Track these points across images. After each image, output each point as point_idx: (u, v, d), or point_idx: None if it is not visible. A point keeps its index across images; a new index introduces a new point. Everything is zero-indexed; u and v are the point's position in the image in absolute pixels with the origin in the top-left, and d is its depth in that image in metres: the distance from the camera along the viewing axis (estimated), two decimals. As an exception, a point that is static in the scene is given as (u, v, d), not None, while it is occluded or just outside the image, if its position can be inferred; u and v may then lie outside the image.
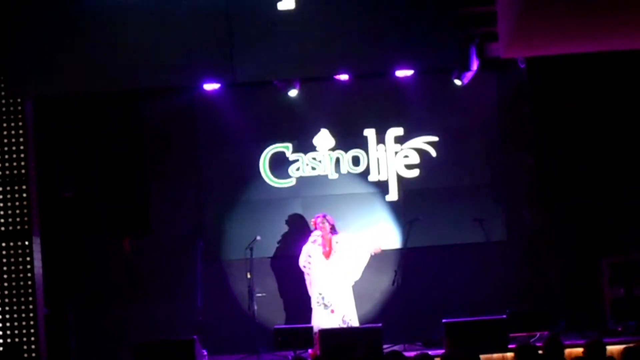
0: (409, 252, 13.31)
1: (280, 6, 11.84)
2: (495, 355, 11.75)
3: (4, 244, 12.41)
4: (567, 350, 10.30)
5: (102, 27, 11.91)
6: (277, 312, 13.54)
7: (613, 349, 10.61)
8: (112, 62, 11.95)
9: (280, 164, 13.76)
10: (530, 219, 13.58)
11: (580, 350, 10.95)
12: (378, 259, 13.38)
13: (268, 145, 13.77)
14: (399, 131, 13.72)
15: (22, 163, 12.45)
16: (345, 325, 12.52)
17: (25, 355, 12.21)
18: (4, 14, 11.98)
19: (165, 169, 13.79)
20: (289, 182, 13.78)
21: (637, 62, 12.81)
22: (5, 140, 12.46)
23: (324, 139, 13.78)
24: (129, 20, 11.93)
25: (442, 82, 13.39)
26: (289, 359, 12.34)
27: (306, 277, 12.88)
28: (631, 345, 8.41)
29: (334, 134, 13.77)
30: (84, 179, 13.54)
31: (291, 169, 13.77)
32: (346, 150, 13.77)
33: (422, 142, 13.71)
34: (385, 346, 11.94)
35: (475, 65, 12.69)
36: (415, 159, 13.70)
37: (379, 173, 13.75)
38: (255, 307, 12.94)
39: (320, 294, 12.67)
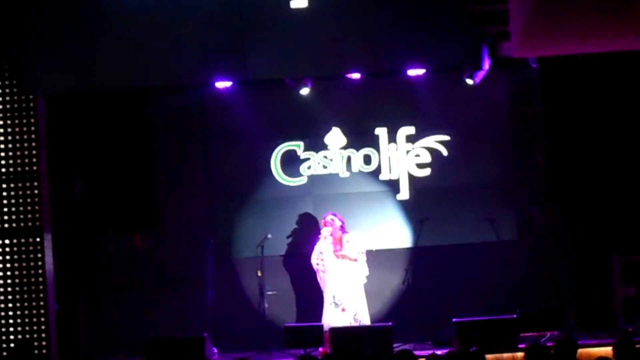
0: (419, 251, 13.32)
1: (293, 4, 11.87)
2: (505, 355, 11.75)
3: (15, 241, 12.44)
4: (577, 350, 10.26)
5: (114, 24, 11.93)
6: (288, 310, 13.54)
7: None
8: (125, 59, 11.97)
9: (291, 162, 13.75)
10: (541, 217, 13.54)
11: (590, 350, 11.03)
12: (389, 258, 13.40)
13: (279, 144, 13.76)
14: (410, 130, 13.70)
15: (34, 160, 12.46)
16: (356, 324, 12.51)
17: (36, 351, 12.24)
18: (16, 11, 12.00)
19: (176, 166, 13.78)
20: (300, 181, 13.77)
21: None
22: (17, 137, 12.48)
23: (335, 137, 13.76)
24: (141, 17, 11.94)
25: (454, 81, 13.35)
26: (299, 357, 12.35)
27: (319, 275, 12.87)
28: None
29: (345, 132, 13.75)
30: (95, 176, 13.55)
31: (302, 168, 13.76)
32: (357, 149, 13.75)
33: (434, 141, 13.69)
34: (395, 345, 11.95)
35: (487, 65, 12.68)
36: (426, 157, 13.69)
37: (390, 172, 13.73)
38: (266, 305, 12.97)
39: (333, 294, 12.65)
